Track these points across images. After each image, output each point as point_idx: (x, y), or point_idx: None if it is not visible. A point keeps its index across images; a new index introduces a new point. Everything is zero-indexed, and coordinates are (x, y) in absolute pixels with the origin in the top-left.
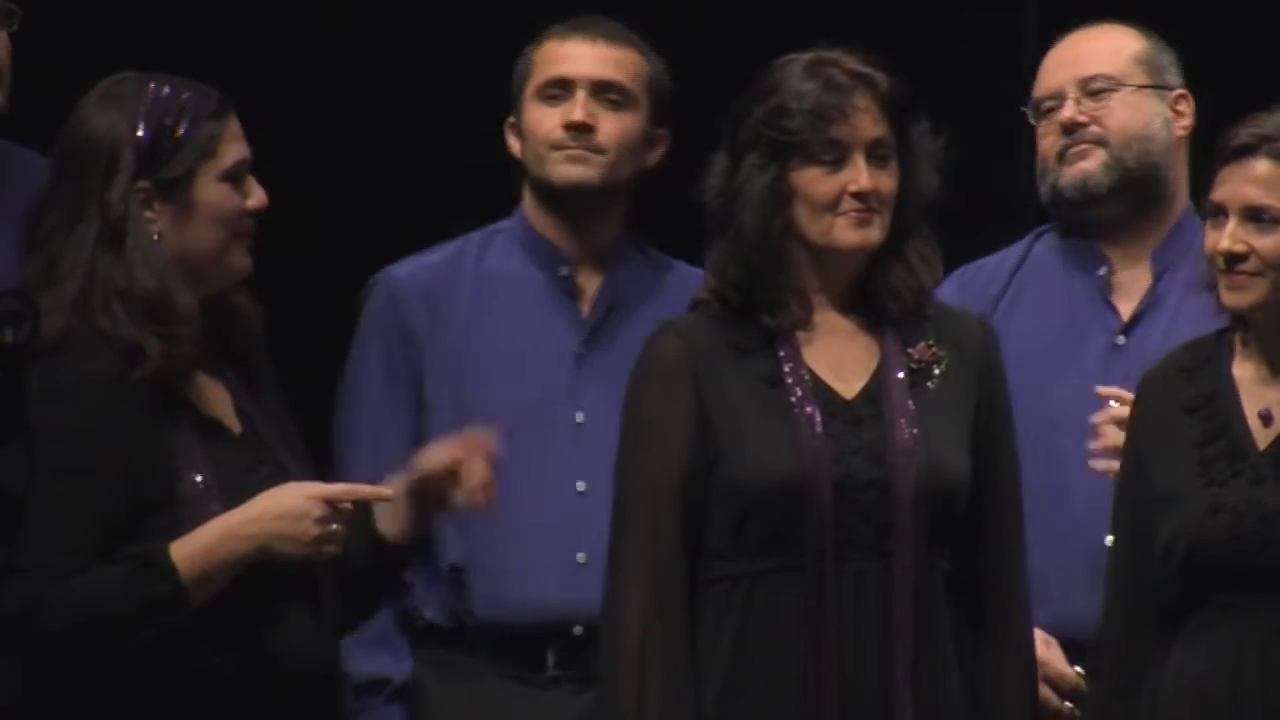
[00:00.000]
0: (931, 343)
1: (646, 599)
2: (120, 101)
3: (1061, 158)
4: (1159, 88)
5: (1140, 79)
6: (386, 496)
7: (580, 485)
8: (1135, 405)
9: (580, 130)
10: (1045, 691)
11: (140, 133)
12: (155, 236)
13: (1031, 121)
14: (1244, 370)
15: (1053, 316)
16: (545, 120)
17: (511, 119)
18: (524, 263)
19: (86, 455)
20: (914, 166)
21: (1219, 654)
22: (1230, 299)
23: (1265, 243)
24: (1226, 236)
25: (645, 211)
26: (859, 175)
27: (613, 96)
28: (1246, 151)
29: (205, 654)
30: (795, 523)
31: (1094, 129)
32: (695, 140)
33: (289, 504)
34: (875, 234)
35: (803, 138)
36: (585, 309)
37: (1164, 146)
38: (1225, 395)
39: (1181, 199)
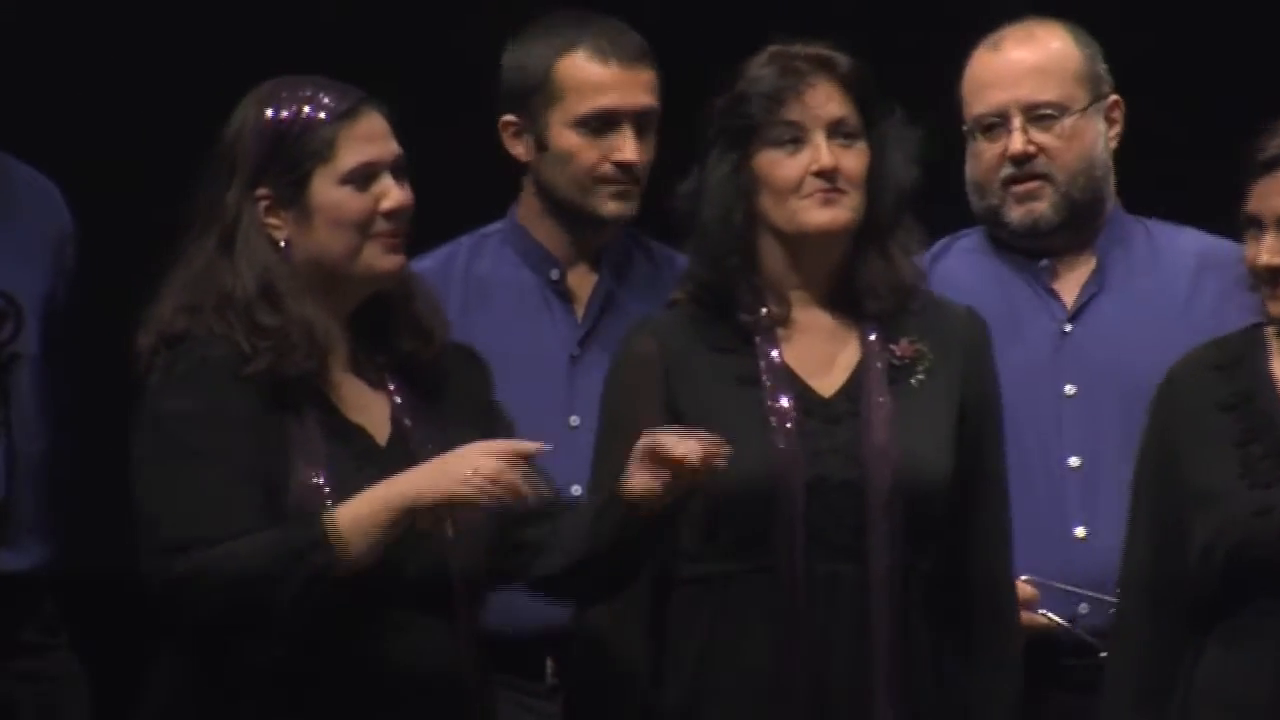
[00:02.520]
0: (915, 339)
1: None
2: (253, 106)
3: (1007, 188)
4: (1098, 100)
5: (1082, 99)
6: (542, 450)
7: (575, 489)
8: (1163, 402)
9: (627, 166)
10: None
11: (256, 138)
12: (282, 243)
13: (970, 139)
14: None
15: (990, 307)
16: (589, 153)
17: (511, 118)
18: (516, 266)
19: (218, 434)
20: (884, 151)
21: (1262, 659)
22: (1278, 309)
23: None
24: (1265, 250)
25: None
26: (819, 153)
27: (649, 123)
28: (1278, 163)
29: (311, 660)
30: (767, 523)
31: (1042, 161)
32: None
33: (450, 456)
34: (844, 214)
35: (758, 120)
36: (579, 311)
37: (1104, 167)
38: (1265, 395)
39: (1112, 194)
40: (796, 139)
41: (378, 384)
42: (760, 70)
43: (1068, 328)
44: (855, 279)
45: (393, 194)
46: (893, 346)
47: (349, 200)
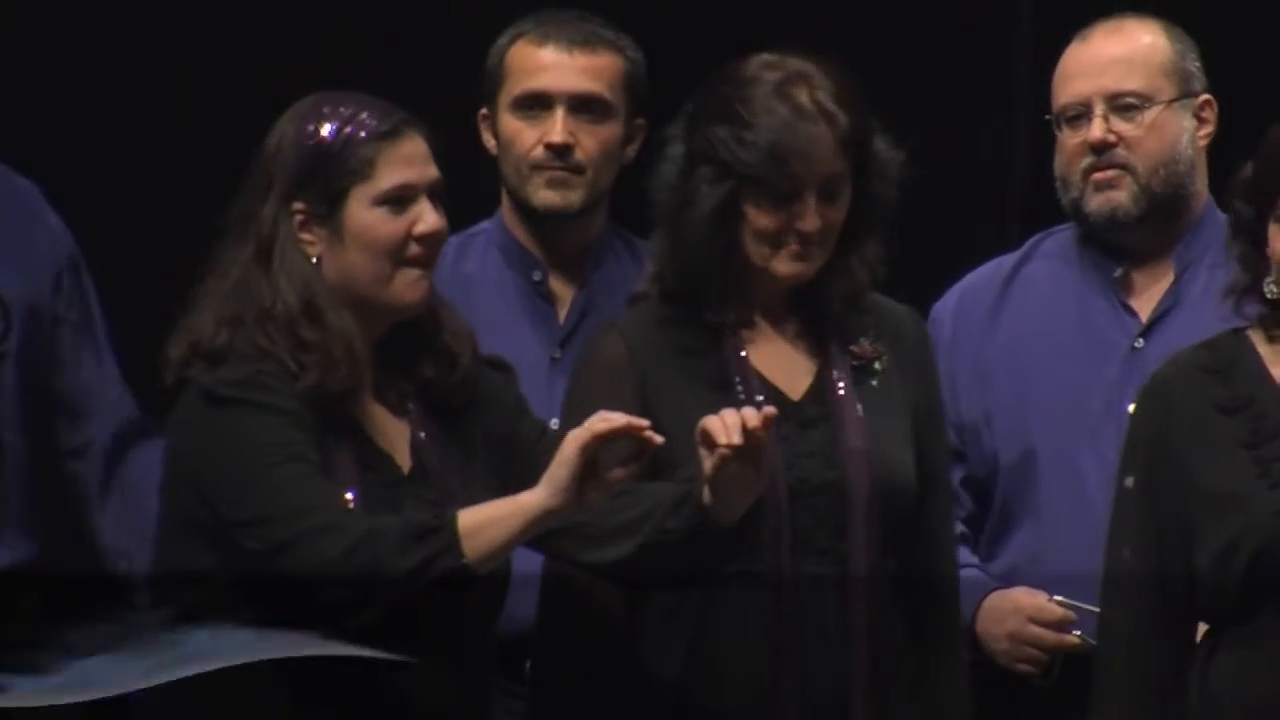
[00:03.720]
0: (872, 339)
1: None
2: (293, 120)
3: (1087, 178)
4: (1186, 97)
5: (1169, 92)
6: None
7: None
8: (1152, 405)
9: (560, 151)
10: (1038, 630)
11: (296, 152)
12: (314, 259)
13: (1055, 131)
14: None
15: (1065, 318)
16: (523, 137)
17: (485, 111)
18: (500, 267)
19: (288, 431)
20: (867, 188)
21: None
22: None
23: None
24: None
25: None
26: (806, 217)
27: (592, 110)
28: None
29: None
30: (750, 528)
31: (1121, 152)
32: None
33: None
34: (813, 266)
35: (757, 172)
36: (561, 313)
37: (1189, 163)
38: (1268, 397)
39: (1202, 197)
40: (790, 196)
41: (400, 411)
42: (768, 110)
43: (1139, 344)
44: (816, 286)
45: (427, 218)
46: (852, 348)
47: (382, 223)
